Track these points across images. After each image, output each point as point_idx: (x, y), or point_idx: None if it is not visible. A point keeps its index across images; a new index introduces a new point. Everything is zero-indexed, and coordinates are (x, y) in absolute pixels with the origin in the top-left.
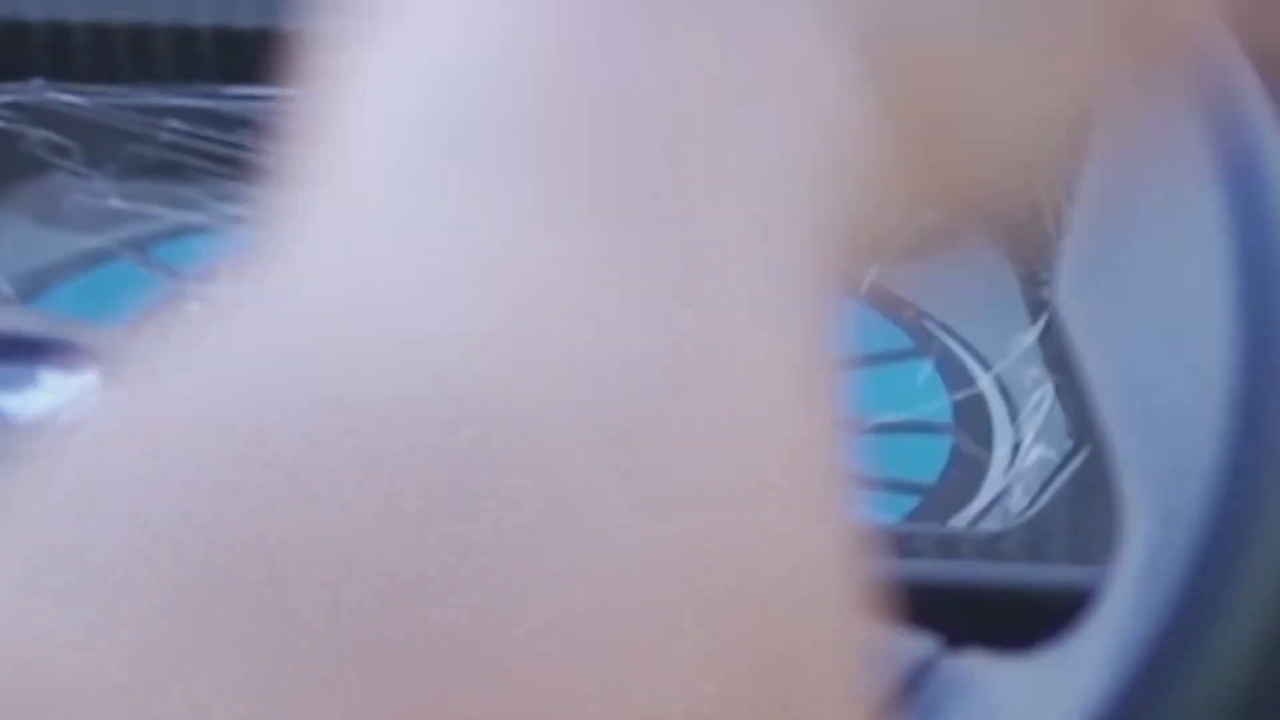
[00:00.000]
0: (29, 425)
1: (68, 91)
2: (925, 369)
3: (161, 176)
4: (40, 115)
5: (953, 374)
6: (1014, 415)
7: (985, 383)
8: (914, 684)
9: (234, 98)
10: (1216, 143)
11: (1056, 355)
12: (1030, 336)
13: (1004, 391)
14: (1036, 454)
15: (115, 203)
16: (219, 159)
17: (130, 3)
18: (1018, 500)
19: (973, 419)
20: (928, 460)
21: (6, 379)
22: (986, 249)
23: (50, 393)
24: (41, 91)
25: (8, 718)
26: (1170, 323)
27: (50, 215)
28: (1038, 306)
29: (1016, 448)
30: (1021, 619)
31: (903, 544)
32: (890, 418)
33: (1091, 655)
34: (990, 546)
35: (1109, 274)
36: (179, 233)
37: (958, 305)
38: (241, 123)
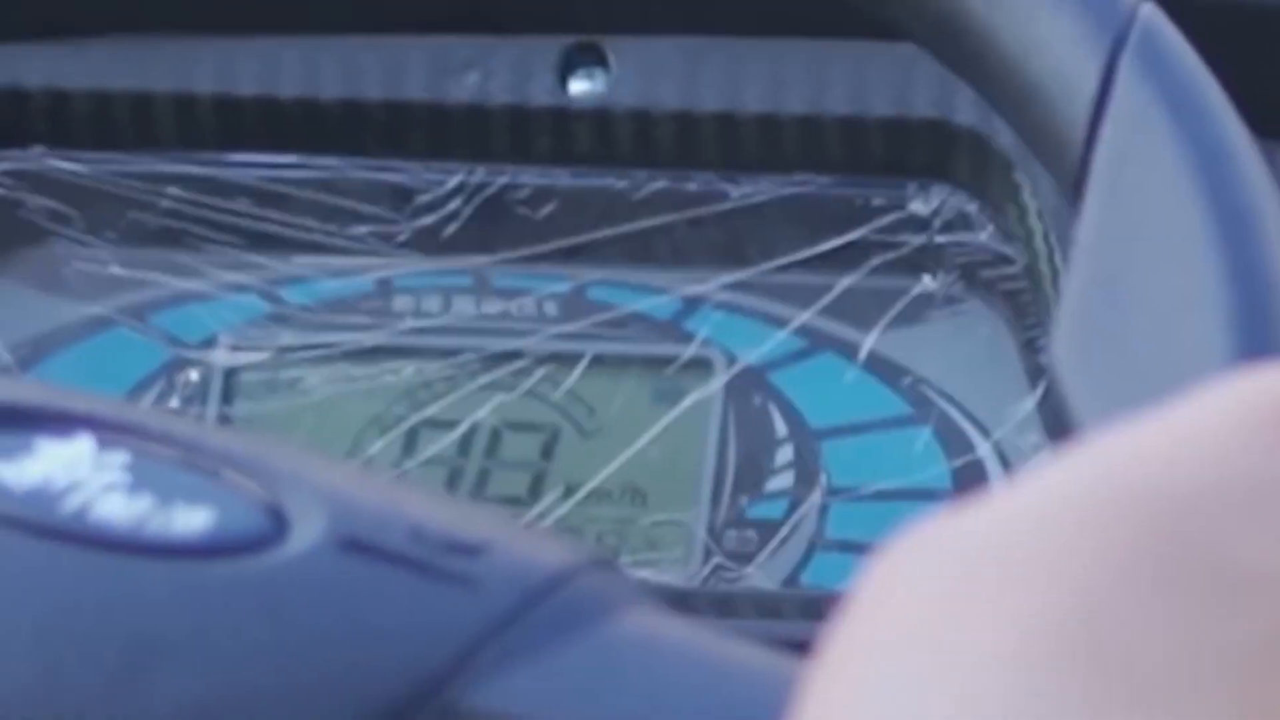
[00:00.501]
0: (25, 494)
1: (68, 158)
2: (924, 436)
3: (162, 244)
4: (40, 182)
5: (952, 441)
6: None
7: (984, 449)
8: None
9: (235, 165)
10: (1213, 200)
11: (1055, 421)
12: (1029, 403)
13: (1003, 458)
14: None
15: (115, 270)
16: (219, 226)
17: (131, 69)
18: None
19: (972, 486)
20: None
21: (2, 448)
22: (985, 315)
23: (46, 461)
24: (41, 158)
25: None
26: (1168, 384)
27: (50, 282)
28: (1036, 373)
29: None
30: None
31: None
32: (888, 485)
33: None
34: None
35: (1105, 336)
36: (179, 300)
37: (956, 372)
38: (242, 190)
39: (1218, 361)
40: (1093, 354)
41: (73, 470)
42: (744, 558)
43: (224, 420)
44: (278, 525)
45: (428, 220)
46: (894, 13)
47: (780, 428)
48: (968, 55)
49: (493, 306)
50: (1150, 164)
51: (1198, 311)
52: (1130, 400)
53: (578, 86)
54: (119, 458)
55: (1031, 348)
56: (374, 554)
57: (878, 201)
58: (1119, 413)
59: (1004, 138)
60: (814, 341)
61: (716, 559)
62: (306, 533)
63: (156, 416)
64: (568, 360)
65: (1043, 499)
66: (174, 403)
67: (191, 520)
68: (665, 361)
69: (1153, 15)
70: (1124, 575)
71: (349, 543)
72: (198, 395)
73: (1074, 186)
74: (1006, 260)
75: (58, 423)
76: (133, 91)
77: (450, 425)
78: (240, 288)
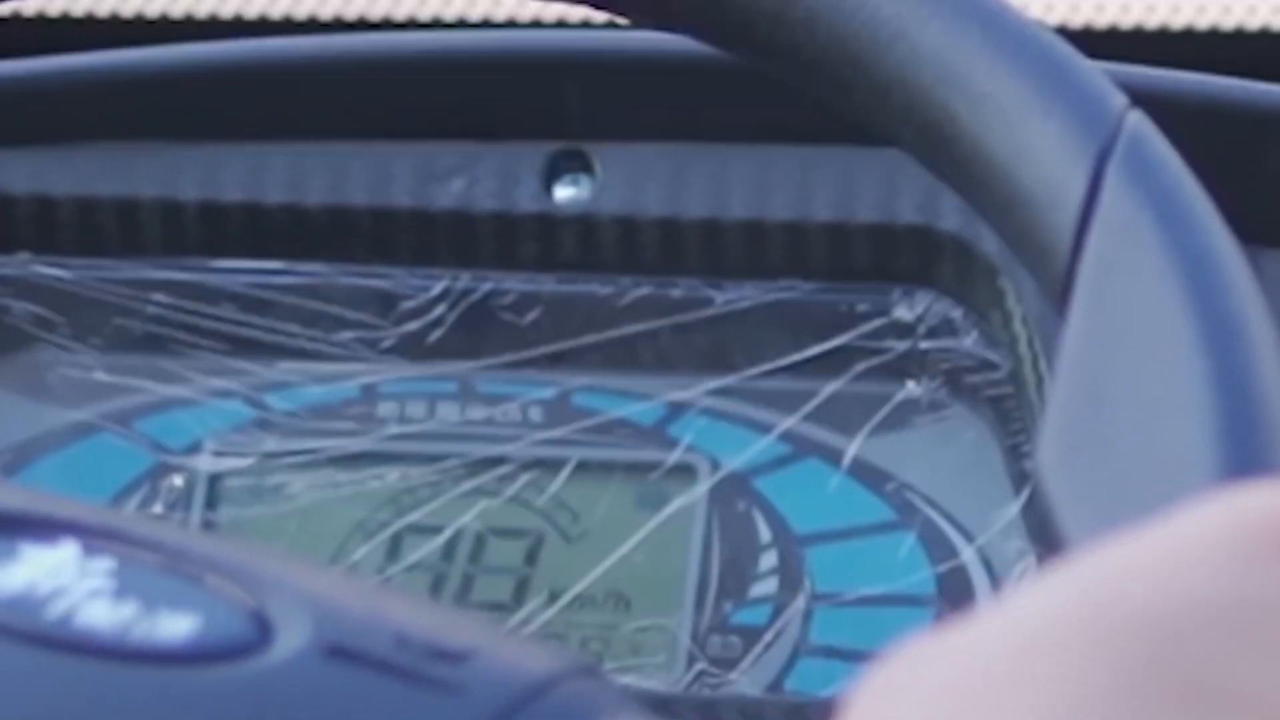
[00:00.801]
0: (9, 600)
1: (53, 264)
2: (908, 541)
3: (147, 350)
4: (25, 289)
5: (935, 546)
6: (997, 588)
7: (969, 555)
8: None
9: (220, 271)
10: (1199, 310)
11: (1040, 529)
12: (1013, 509)
13: (987, 564)
14: None
15: (100, 375)
16: (204, 332)
17: (116, 176)
18: None
19: (956, 592)
20: (910, 633)
21: None
22: (969, 421)
23: (31, 567)
24: (27, 264)
25: None
26: (1154, 499)
27: (34, 388)
28: (1021, 479)
29: None
30: None
31: None
32: (872, 591)
33: None
34: None
35: (1090, 446)
36: (164, 406)
37: (941, 477)
38: (227, 297)
39: (1203, 477)
40: (1078, 465)
41: (57, 576)
42: (728, 664)
43: (208, 526)
44: (262, 632)
45: (412, 326)
46: (880, 119)
47: (764, 533)
48: (954, 161)
49: (477, 412)
50: (1136, 273)
51: (1184, 424)
52: (1115, 514)
53: (563, 193)
54: (104, 564)
55: (1016, 454)
56: (358, 661)
57: (862, 307)
58: (1104, 526)
59: (988, 244)
60: (798, 447)
61: (700, 665)
62: (291, 640)
63: (141, 522)
64: (552, 466)
65: (1029, 618)
66: (158, 508)
67: (176, 627)
68: (649, 467)
69: (1140, 123)
70: (1110, 696)
71: (333, 649)
72: (182, 501)
73: (1060, 294)
74: (991, 366)
75: (42, 528)
76: (118, 198)
77: (434, 531)
78: (225, 393)
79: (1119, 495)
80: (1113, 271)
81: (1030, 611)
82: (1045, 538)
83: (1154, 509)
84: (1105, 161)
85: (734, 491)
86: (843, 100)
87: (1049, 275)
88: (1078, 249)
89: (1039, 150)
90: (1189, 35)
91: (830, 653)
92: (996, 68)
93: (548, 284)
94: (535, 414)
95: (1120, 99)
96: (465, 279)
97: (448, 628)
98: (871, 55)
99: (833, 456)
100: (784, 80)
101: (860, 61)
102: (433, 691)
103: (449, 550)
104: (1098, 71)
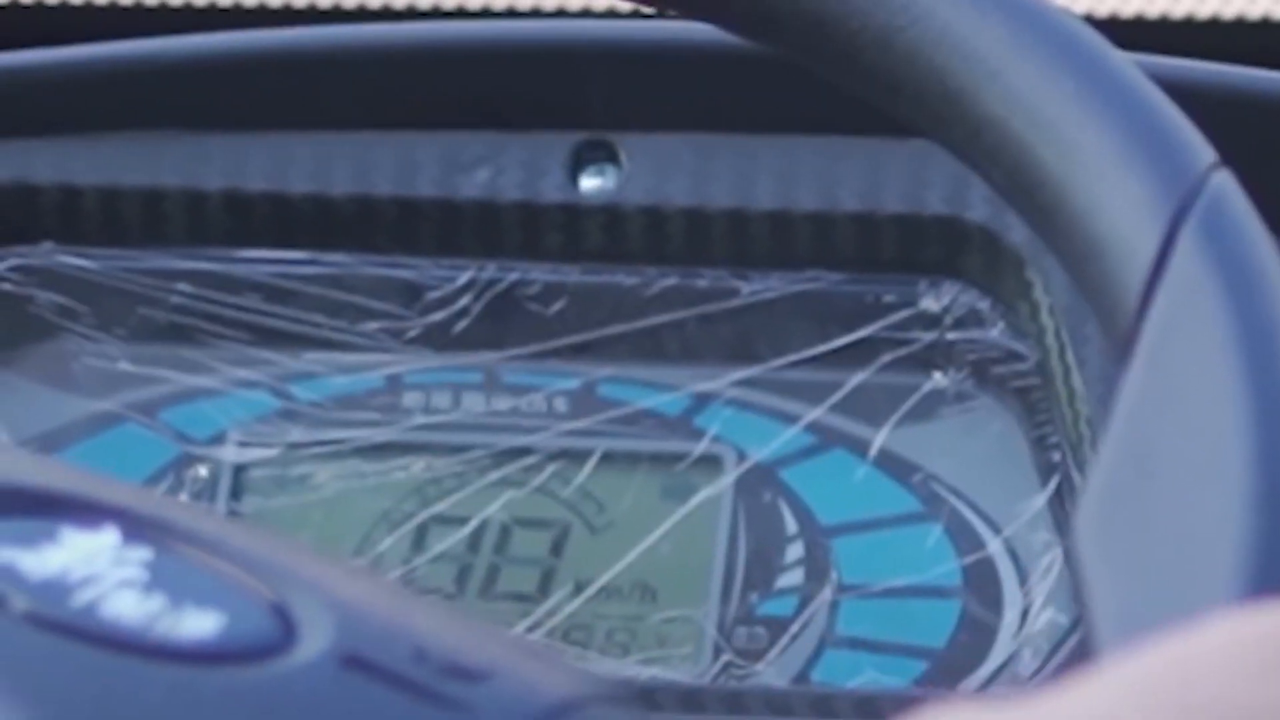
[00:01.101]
0: (39, 584)
1: (78, 254)
2: (934, 532)
3: (171, 340)
4: (49, 278)
5: (962, 538)
6: (1023, 579)
7: (995, 546)
8: None
9: (244, 261)
10: (1257, 393)
11: (1067, 519)
12: (1040, 500)
13: (1013, 555)
14: (1046, 618)
15: (124, 365)
16: (229, 322)
17: (140, 165)
18: (1027, 665)
19: (982, 583)
20: (936, 625)
21: (23, 534)
22: (996, 412)
23: (68, 551)
24: (51, 254)
25: None
26: (1186, 593)
27: (59, 378)
28: (1048, 470)
29: (1026, 612)
30: None
31: (911, 709)
32: (898, 582)
33: None
34: None
35: (1130, 522)
36: (188, 396)
37: (967, 469)
38: (252, 286)
39: (1239, 584)
40: (1114, 538)
41: (92, 563)
42: (754, 655)
43: (233, 516)
44: (285, 634)
45: (438, 316)
46: (973, 157)
47: (790, 525)
48: (1038, 207)
49: (502, 403)
50: (1199, 340)
51: (1225, 519)
52: (1143, 606)
53: (589, 183)
54: (140, 553)
55: (1043, 445)
56: (375, 673)
57: (889, 298)
58: (1130, 614)
59: (1016, 234)
60: (824, 438)
61: (726, 656)
62: (311, 645)
63: (185, 510)
64: (577, 457)
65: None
66: (183, 498)
67: (200, 624)
68: (675, 458)
69: (1224, 183)
70: None
71: (351, 659)
72: (207, 491)
73: (1123, 348)
74: (1018, 357)
75: (87, 512)
76: (143, 187)
77: (460, 522)
78: (250, 384)
79: (1150, 584)
80: (1176, 335)
81: (1060, 716)
82: (1074, 598)
83: (1183, 607)
84: (1181, 220)
85: (760, 482)
86: (939, 135)
87: (1115, 329)
88: (1144, 308)
89: (1118, 203)
90: (1188, 25)
91: (857, 644)
92: (1087, 115)
93: (573, 274)
94: (560, 405)
95: (1207, 156)
96: (490, 269)
97: (471, 644)
98: (969, 92)
99: (859, 447)
100: (881, 105)
101: (956, 98)
102: (446, 711)
103: (474, 541)
104: (1188, 126)
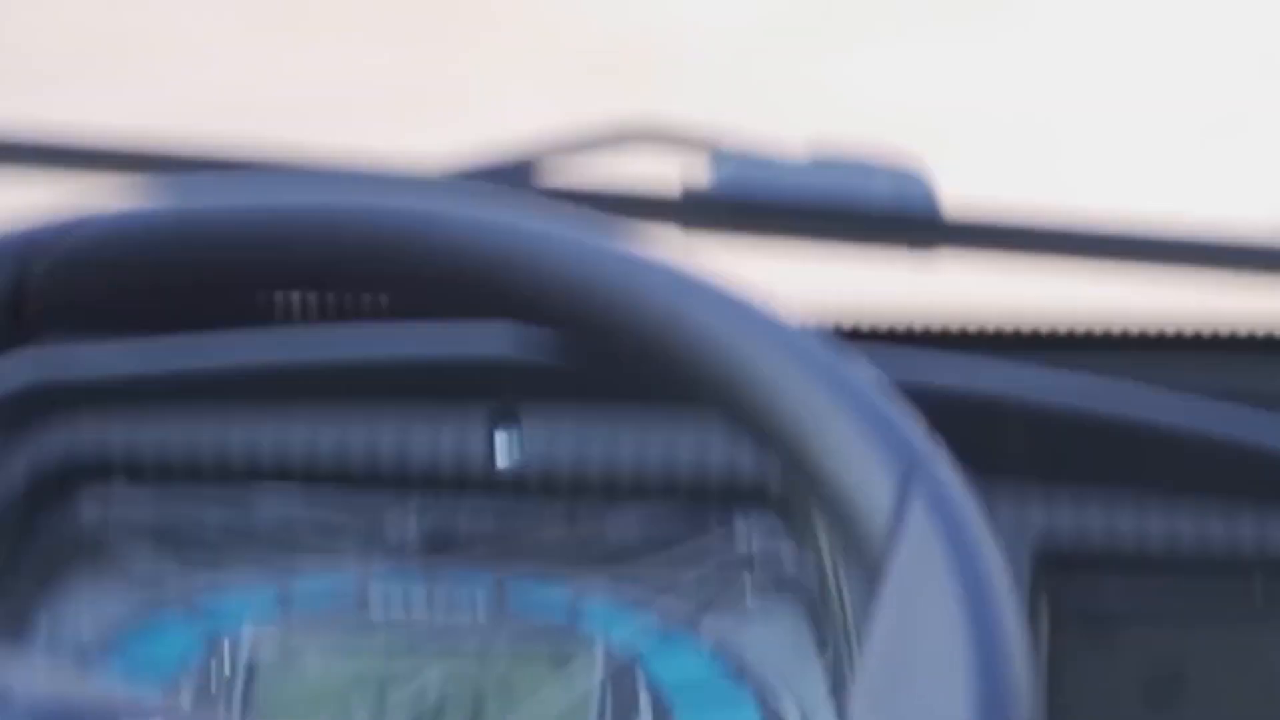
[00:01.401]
0: None
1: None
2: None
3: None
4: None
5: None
6: None
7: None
8: None
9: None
10: (967, 609)
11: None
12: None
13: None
14: None
15: (168, 566)
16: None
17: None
18: None
19: None
20: None
21: None
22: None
23: None
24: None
25: None
26: None
27: (107, 580)
28: (830, 667)
29: None
30: None
31: None
32: None
33: None
34: None
35: (885, 707)
36: (224, 593)
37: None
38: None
39: None
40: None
41: None
42: None
43: (247, 698)
44: None
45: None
46: (756, 444)
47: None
48: (802, 475)
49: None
50: (932, 574)
51: (951, 681)
52: None
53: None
54: None
55: (823, 644)
56: None
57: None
58: None
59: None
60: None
61: None
62: None
63: None
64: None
65: None
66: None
67: None
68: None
69: (941, 455)
70: None
71: None
72: (224, 683)
73: (872, 574)
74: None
75: None
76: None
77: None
78: (256, 583)
79: None
80: (913, 569)
81: None
82: None
83: None
84: (910, 478)
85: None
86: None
87: (864, 560)
88: (889, 548)
89: (861, 469)
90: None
91: None
92: (832, 409)
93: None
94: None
95: (927, 436)
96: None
97: None
98: (757, 403)
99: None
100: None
101: (747, 407)
102: None
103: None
104: (911, 415)
